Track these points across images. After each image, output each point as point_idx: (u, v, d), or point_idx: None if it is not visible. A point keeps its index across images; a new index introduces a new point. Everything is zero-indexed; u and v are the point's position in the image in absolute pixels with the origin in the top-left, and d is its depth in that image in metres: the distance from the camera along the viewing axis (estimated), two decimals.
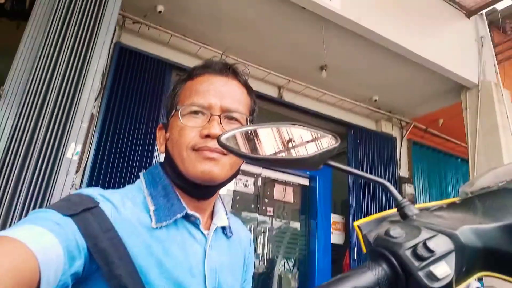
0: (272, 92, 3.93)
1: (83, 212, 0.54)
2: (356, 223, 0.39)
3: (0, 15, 2.39)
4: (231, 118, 0.68)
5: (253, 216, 4.06)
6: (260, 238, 4.05)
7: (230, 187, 4.30)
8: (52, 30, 2.04)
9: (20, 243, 0.42)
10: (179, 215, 0.63)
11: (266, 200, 4.38)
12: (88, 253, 0.52)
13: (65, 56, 2.04)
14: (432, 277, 0.29)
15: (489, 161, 3.46)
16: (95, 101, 2.99)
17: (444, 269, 0.29)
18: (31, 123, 1.85)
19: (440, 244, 0.30)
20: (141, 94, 3.05)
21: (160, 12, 3.02)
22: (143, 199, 0.65)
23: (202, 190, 0.67)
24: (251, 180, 4.28)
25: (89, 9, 2.11)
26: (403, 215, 0.36)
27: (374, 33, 3.09)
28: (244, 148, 0.42)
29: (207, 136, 0.63)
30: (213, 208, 0.74)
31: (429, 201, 4.76)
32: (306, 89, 3.96)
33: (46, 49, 2.01)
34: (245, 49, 3.48)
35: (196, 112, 0.66)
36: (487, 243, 0.32)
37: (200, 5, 2.99)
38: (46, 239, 0.46)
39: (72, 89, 2.00)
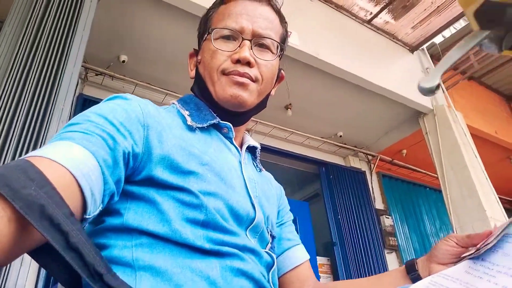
0: None
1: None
2: None
3: None
4: (262, 45, 0.68)
5: None
6: None
7: None
8: (10, 80, 1.84)
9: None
10: (212, 121, 0.64)
11: None
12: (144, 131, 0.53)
13: (23, 110, 1.84)
14: None
15: (458, 177, 3.59)
16: None
17: None
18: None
19: None
20: None
21: (123, 62, 3.03)
22: (176, 110, 0.66)
23: (231, 117, 0.67)
24: None
25: (49, 62, 1.99)
26: None
27: (332, 65, 3.27)
28: None
29: (238, 61, 0.64)
30: (242, 139, 0.74)
31: (408, 231, 4.79)
32: (274, 129, 4.01)
33: (4, 101, 1.81)
34: None
35: (227, 37, 0.67)
36: None
37: (161, 52, 3.04)
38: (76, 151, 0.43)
39: (32, 145, 1.81)
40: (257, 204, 0.64)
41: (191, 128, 0.62)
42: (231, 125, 0.66)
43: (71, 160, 0.40)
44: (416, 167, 5.19)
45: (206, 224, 0.53)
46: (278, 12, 0.73)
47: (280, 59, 0.73)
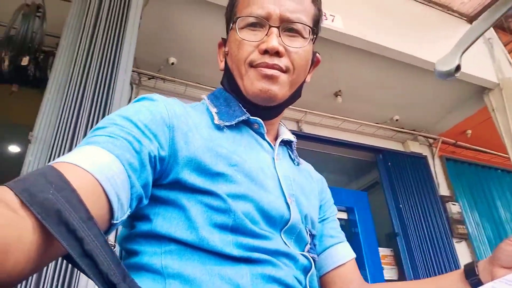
0: (291, 127, 3.91)
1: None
2: None
3: (25, 84, 2.51)
4: (292, 30, 0.63)
5: None
6: None
7: None
8: (69, 96, 1.98)
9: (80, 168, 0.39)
10: (241, 118, 0.61)
11: None
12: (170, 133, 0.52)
13: (83, 122, 1.95)
14: None
15: None
16: None
17: None
18: None
19: None
20: None
21: (172, 64, 3.15)
22: (205, 107, 0.64)
23: (262, 111, 0.64)
24: None
25: (103, 70, 2.10)
26: None
27: (381, 46, 3.12)
28: None
29: (266, 51, 0.60)
30: (277, 131, 0.71)
31: (479, 218, 4.43)
32: (324, 118, 3.93)
33: (64, 116, 1.94)
34: None
35: (254, 25, 0.62)
36: None
37: (208, 51, 3.11)
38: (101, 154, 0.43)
39: None
40: (293, 203, 0.60)
41: (219, 127, 0.60)
42: (261, 120, 0.63)
43: (95, 164, 0.40)
44: (484, 148, 4.79)
45: (235, 229, 0.51)
46: None
47: (314, 43, 0.68)
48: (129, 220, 0.55)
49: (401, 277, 3.83)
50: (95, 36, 2.10)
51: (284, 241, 0.57)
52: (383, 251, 4.02)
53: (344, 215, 4.17)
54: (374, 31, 3.12)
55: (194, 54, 3.14)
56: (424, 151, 4.54)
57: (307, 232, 0.63)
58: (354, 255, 0.72)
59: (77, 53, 2.04)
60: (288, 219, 0.58)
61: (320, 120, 3.95)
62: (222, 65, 0.70)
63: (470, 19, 3.88)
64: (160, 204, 0.52)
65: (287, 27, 0.62)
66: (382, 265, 3.90)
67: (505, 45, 3.97)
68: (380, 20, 3.27)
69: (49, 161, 1.84)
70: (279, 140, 0.67)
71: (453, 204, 4.25)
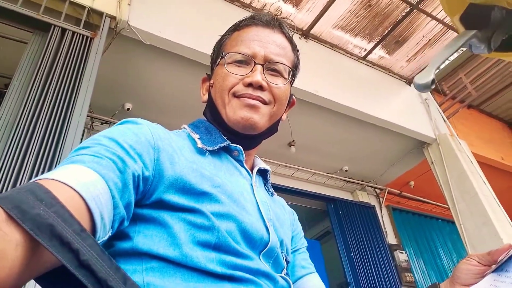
0: None
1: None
2: None
3: None
4: (274, 71, 0.68)
5: None
6: None
7: None
8: (18, 131, 1.87)
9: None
10: (222, 144, 0.64)
11: None
12: (154, 155, 0.52)
13: (31, 160, 1.85)
14: None
15: (469, 206, 3.51)
16: None
17: None
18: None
19: None
20: None
21: (128, 109, 3.12)
22: (186, 134, 0.66)
23: (242, 140, 0.67)
24: None
25: (56, 113, 1.96)
26: None
27: (331, 101, 3.34)
28: None
29: (250, 84, 0.65)
30: (253, 163, 0.73)
31: (424, 266, 4.61)
32: (278, 167, 4.02)
33: (10, 153, 1.82)
34: None
35: (240, 62, 0.67)
36: None
37: (165, 98, 3.13)
38: (85, 174, 0.43)
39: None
40: (271, 227, 0.62)
41: (201, 151, 0.62)
42: (241, 147, 0.66)
43: (80, 182, 0.40)
44: (426, 199, 5.10)
45: (218, 247, 0.52)
46: (290, 39, 0.73)
47: (291, 85, 0.74)
48: (106, 240, 0.53)
49: None
50: (50, 78, 2.04)
51: (263, 263, 0.58)
52: None
53: None
54: (326, 88, 3.35)
55: (151, 101, 3.14)
56: (372, 200, 4.75)
57: (283, 257, 0.64)
58: (324, 286, 0.74)
59: (29, 94, 1.96)
60: (267, 241, 0.59)
61: (274, 169, 4.02)
62: (205, 97, 0.74)
63: (409, 80, 4.30)
64: (141, 222, 0.51)
65: (270, 67, 0.67)
66: None
67: (439, 105, 4.41)
68: (331, 78, 3.53)
69: None
70: (255, 169, 0.70)
71: (401, 252, 4.40)
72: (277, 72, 0.68)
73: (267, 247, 0.59)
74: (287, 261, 0.66)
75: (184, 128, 0.69)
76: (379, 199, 4.83)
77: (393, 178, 4.70)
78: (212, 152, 0.63)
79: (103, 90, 2.86)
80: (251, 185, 0.66)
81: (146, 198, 0.51)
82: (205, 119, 0.72)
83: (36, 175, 1.88)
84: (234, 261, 0.52)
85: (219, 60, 0.70)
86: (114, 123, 2.47)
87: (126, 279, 0.35)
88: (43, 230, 0.31)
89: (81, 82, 2.13)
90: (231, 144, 0.65)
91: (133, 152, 0.50)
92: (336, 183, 4.52)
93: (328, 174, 4.34)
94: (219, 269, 0.50)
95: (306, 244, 0.79)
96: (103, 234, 0.43)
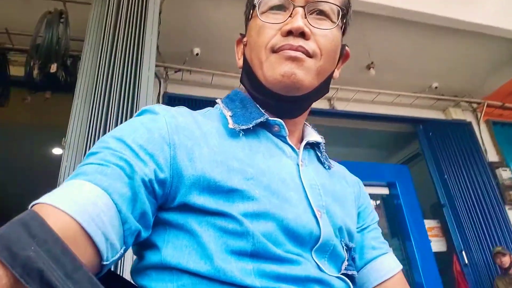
0: (323, 105, 3.79)
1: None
2: None
3: (57, 89, 2.57)
4: (319, 13, 0.55)
5: None
6: None
7: None
8: (97, 99, 2.01)
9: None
10: (259, 120, 0.54)
11: None
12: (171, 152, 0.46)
13: (112, 124, 1.96)
14: None
15: None
16: None
17: None
18: None
19: None
20: None
21: (197, 54, 3.12)
22: (219, 112, 0.57)
23: (286, 104, 0.56)
24: None
25: (128, 68, 2.05)
26: None
27: (411, 11, 2.90)
28: None
29: (289, 32, 0.53)
30: (303, 133, 0.63)
31: None
32: (358, 93, 3.77)
33: (93, 120, 1.97)
34: None
35: (277, 7, 0.55)
36: None
37: (232, 38, 3.03)
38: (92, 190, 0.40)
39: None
40: (323, 215, 0.52)
41: (234, 133, 0.53)
42: (282, 121, 0.56)
43: (77, 203, 0.37)
44: None
45: (255, 255, 0.45)
46: None
47: (343, 32, 0.60)
48: (137, 249, 0.50)
49: (450, 248, 3.70)
50: (116, 36, 2.09)
51: (316, 262, 0.50)
52: (429, 223, 3.88)
53: (386, 191, 4.05)
54: None
55: (218, 43, 3.07)
56: (467, 117, 4.28)
57: (343, 247, 0.55)
58: (400, 267, 0.63)
59: (101, 55, 2.05)
60: (318, 235, 0.50)
61: (353, 95, 3.80)
62: (241, 62, 0.64)
63: None
64: (170, 228, 0.46)
65: (313, 8, 0.55)
66: (429, 238, 3.78)
67: None
68: None
69: None
70: (303, 143, 0.59)
71: (504, 170, 4.00)
72: (323, 15, 0.55)
73: (320, 242, 0.50)
74: (350, 249, 0.56)
75: (218, 103, 0.60)
76: (477, 115, 4.33)
77: (493, 89, 4.13)
78: (248, 131, 0.54)
79: (170, 38, 2.87)
80: (297, 164, 0.56)
81: (170, 201, 0.46)
82: (243, 88, 0.62)
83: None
84: (276, 270, 0.45)
85: (251, 11, 0.58)
86: (187, 70, 2.51)
87: None
88: (33, 276, 0.30)
89: (145, 34, 2.13)
90: (269, 119, 0.55)
91: (144, 153, 0.44)
92: (425, 102, 4.12)
93: (414, 94, 3.97)
94: (258, 283, 0.43)
95: (377, 219, 0.68)
96: (113, 253, 0.39)
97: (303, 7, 0.53)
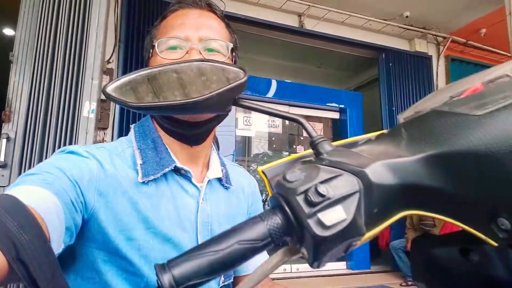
0: (292, 21, 3.66)
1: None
2: (261, 168, 0.33)
3: None
4: (211, 50, 0.62)
5: (284, 156, 4.05)
6: None
7: (263, 129, 4.26)
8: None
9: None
10: (167, 169, 0.60)
11: (301, 138, 4.39)
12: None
13: (65, 15, 2.00)
14: (321, 224, 0.25)
15: None
16: (111, 56, 2.94)
17: (335, 215, 0.25)
18: (45, 86, 1.90)
19: (339, 186, 0.26)
20: None
21: None
22: (132, 152, 0.62)
23: (192, 131, 0.62)
24: (278, 120, 4.19)
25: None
26: (316, 154, 0.31)
27: None
28: (136, 97, 0.36)
29: None
30: (209, 159, 0.70)
31: None
32: (329, 13, 3.65)
33: (45, 13, 1.98)
34: None
35: (174, 48, 0.62)
36: (406, 179, 0.28)
37: None
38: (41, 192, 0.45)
39: (78, 47, 1.98)
40: None
41: (143, 182, 0.59)
42: (188, 168, 0.62)
43: (32, 197, 0.41)
44: (495, 49, 4.56)
45: None
46: (222, 17, 0.67)
47: (234, 63, 0.65)
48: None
49: None
50: None
51: None
52: None
53: (337, 115, 4.25)
54: None
55: None
56: (430, 51, 4.35)
57: None
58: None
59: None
60: None
61: (324, 14, 3.67)
62: None
63: None
64: (77, 262, 0.55)
65: (206, 46, 0.62)
66: None
67: None
68: None
69: (31, 81, 1.87)
70: (205, 181, 0.66)
71: None
72: (215, 51, 0.63)
73: None
74: None
75: (131, 139, 0.64)
76: (439, 49, 4.40)
77: (461, 25, 4.14)
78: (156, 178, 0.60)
79: None
80: (198, 202, 0.63)
81: (84, 231, 0.54)
82: (152, 121, 0.66)
83: (72, 32, 2.00)
84: None
85: (151, 51, 0.64)
86: None
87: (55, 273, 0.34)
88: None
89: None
90: (177, 165, 0.61)
91: (78, 189, 0.51)
92: (394, 30, 4.09)
93: (384, 21, 3.91)
94: None
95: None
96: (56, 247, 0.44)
97: (197, 45, 0.60)
